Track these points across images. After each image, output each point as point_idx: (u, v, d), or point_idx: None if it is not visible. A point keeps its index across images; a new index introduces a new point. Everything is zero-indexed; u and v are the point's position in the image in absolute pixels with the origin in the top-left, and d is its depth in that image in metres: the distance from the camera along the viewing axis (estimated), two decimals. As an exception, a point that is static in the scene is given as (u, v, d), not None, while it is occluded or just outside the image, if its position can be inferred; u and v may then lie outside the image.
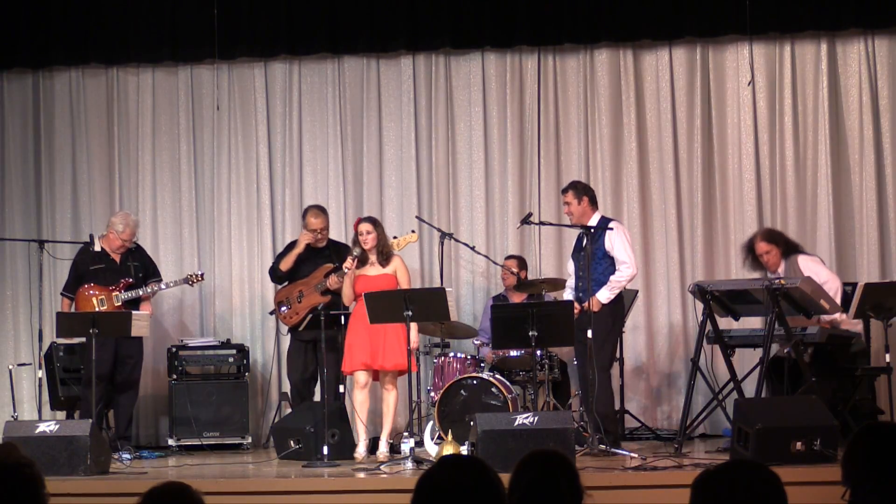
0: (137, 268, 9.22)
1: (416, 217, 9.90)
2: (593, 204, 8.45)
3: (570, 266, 8.57)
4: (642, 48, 10.07)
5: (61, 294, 9.36)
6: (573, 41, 10.04)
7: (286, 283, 9.07)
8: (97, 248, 9.21)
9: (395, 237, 9.01)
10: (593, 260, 8.19)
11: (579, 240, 8.43)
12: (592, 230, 8.18)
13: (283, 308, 9.07)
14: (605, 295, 8.15)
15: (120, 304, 9.03)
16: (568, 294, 8.47)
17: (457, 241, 9.67)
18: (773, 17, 9.76)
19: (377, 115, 10.21)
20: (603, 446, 7.87)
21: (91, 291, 9.06)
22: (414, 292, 8.14)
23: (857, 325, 8.42)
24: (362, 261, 8.36)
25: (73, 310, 9.00)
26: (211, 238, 10.25)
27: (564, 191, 8.56)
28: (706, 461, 7.37)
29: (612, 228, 8.23)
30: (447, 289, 8.23)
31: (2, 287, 10.23)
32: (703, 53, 10.03)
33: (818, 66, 9.95)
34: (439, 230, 9.56)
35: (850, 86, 9.93)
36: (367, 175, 10.18)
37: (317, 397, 9.11)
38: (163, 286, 9.29)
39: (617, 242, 8.23)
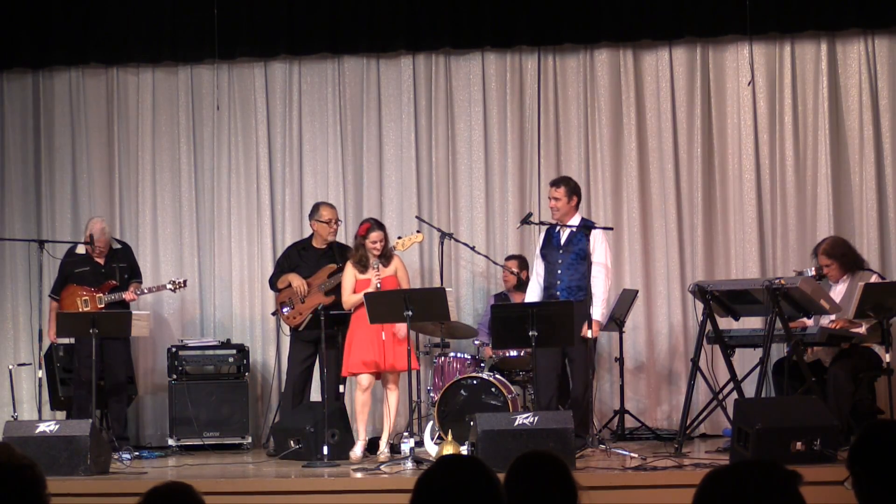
0: (123, 269, 9.21)
1: (417, 217, 9.91)
2: (577, 207, 8.43)
3: (539, 265, 8.42)
4: (642, 48, 10.07)
5: (49, 296, 9.32)
6: (573, 41, 10.04)
7: (288, 285, 9.06)
8: (81, 250, 9.19)
9: (399, 237, 9.01)
10: (576, 262, 8.18)
11: (554, 238, 8.36)
12: (584, 230, 8.16)
13: (286, 309, 9.06)
14: (599, 312, 8.13)
15: (103, 305, 9.01)
16: (535, 295, 8.33)
17: (457, 241, 9.67)
18: (773, 17, 9.75)
19: (377, 115, 10.20)
20: (603, 445, 7.88)
21: (75, 292, 9.05)
22: (414, 292, 8.14)
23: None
24: (365, 266, 8.37)
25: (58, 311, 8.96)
26: (211, 238, 10.25)
27: (556, 184, 8.44)
28: (706, 461, 7.38)
29: (598, 230, 8.21)
30: (447, 289, 8.24)
31: (2, 287, 10.23)
32: (703, 53, 10.03)
33: (818, 66, 9.94)
34: (439, 230, 9.57)
35: (850, 86, 9.93)
36: (367, 175, 10.18)
37: (316, 397, 9.11)
38: (145, 290, 9.26)
39: (601, 246, 8.19)
